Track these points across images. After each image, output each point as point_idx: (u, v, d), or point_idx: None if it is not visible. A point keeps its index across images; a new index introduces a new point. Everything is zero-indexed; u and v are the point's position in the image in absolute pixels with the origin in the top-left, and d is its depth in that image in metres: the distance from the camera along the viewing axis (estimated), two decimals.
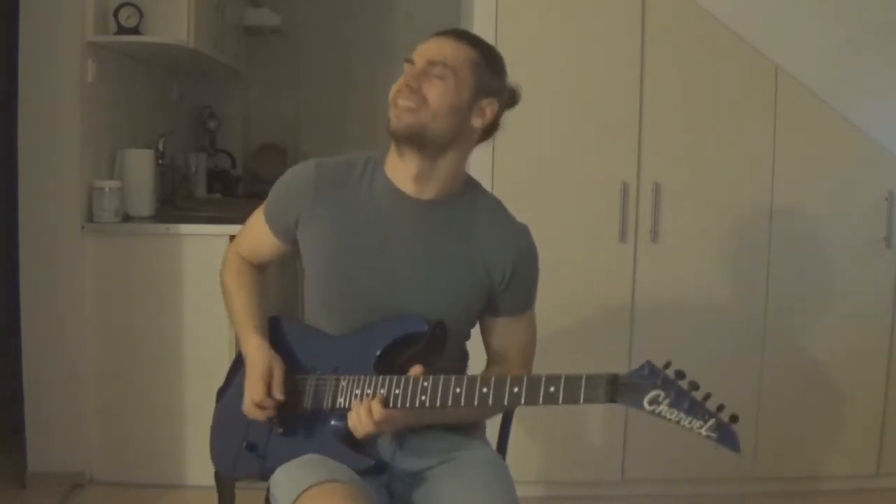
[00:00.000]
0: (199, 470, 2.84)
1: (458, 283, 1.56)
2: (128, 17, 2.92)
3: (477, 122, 1.55)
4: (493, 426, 1.79)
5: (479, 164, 2.68)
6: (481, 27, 2.75)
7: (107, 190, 2.87)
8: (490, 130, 1.61)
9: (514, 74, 2.75)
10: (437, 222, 1.57)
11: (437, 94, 1.50)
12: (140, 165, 3.08)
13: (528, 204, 2.84)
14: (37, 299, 2.86)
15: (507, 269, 1.58)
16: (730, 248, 2.86)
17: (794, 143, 2.84)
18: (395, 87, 1.54)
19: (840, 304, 2.90)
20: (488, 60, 1.56)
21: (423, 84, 1.50)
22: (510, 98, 1.63)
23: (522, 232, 1.64)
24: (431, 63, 1.50)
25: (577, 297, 2.81)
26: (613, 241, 2.83)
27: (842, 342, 2.91)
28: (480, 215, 1.60)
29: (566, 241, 2.81)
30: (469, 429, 1.68)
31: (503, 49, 2.78)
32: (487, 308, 1.61)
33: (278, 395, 1.55)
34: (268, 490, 1.59)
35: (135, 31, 2.94)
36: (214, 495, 1.75)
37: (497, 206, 1.66)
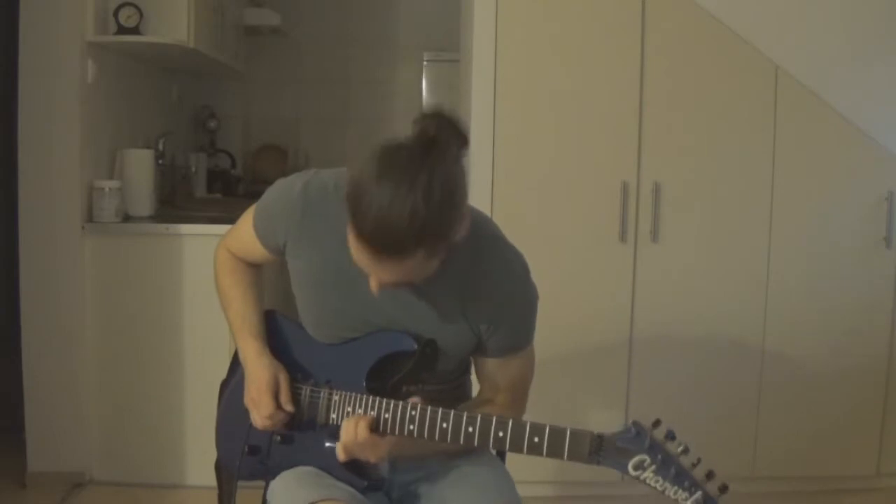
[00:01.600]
0: (199, 470, 2.84)
1: (443, 331, 1.50)
2: (128, 17, 2.92)
3: (463, 233, 1.36)
4: None
5: (480, 164, 2.68)
6: (481, 28, 2.75)
7: (107, 190, 2.87)
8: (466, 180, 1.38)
9: (515, 74, 2.78)
10: None
11: (417, 281, 1.38)
12: (140, 165, 3.08)
13: (529, 204, 2.88)
14: (37, 299, 2.86)
15: (494, 322, 1.50)
16: (730, 248, 2.86)
17: (794, 143, 2.83)
18: (373, 285, 1.37)
19: (840, 304, 2.89)
20: (435, 234, 1.28)
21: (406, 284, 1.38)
22: (460, 151, 1.33)
23: (515, 273, 1.52)
24: (397, 285, 1.36)
25: (577, 297, 2.81)
26: (613, 241, 2.83)
27: (842, 342, 2.91)
28: (470, 267, 1.47)
29: (566, 241, 2.81)
30: None
31: (503, 50, 2.78)
32: (476, 349, 1.56)
33: (288, 406, 1.53)
34: (264, 493, 1.59)
35: (135, 31, 2.94)
36: (214, 495, 1.75)
37: (490, 249, 1.51)
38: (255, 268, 1.70)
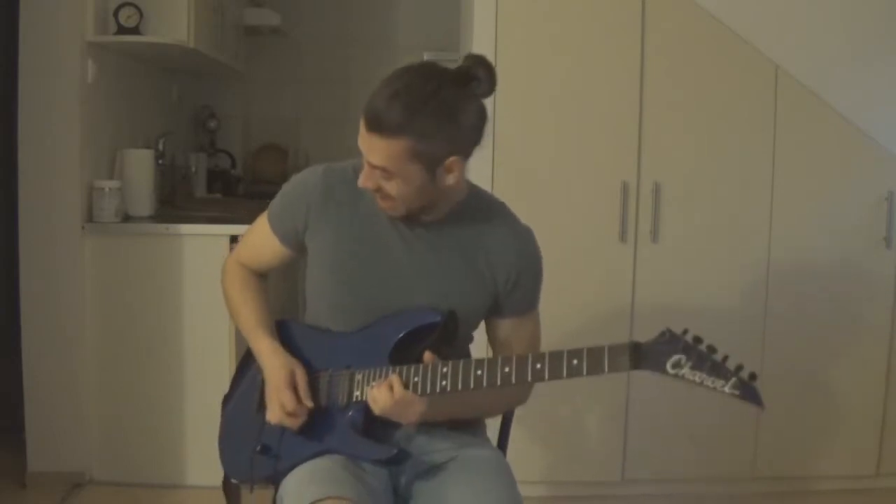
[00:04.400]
0: (199, 470, 2.84)
1: (462, 290, 1.57)
2: (128, 17, 2.92)
3: (451, 180, 1.49)
4: (493, 427, 1.80)
5: (480, 164, 2.68)
6: (481, 28, 2.75)
7: (107, 190, 2.87)
8: (480, 132, 1.50)
9: (515, 74, 2.78)
10: (440, 236, 1.58)
11: (395, 189, 1.47)
12: (140, 165, 3.08)
13: (529, 204, 2.84)
14: (37, 299, 2.86)
15: (512, 275, 1.59)
16: (730, 248, 2.86)
17: (794, 143, 2.83)
18: (361, 177, 1.49)
19: (840, 304, 2.89)
20: (422, 133, 1.41)
21: (380, 183, 1.47)
22: (486, 92, 1.46)
23: (527, 235, 1.63)
24: (373, 167, 1.45)
25: (577, 297, 2.81)
26: (613, 241, 2.83)
27: (841, 342, 2.91)
28: (484, 223, 1.60)
29: (566, 241, 2.80)
30: (473, 428, 1.69)
31: (503, 49, 2.77)
32: (492, 310, 1.63)
33: (307, 401, 1.54)
34: (275, 491, 1.58)
35: (135, 31, 2.94)
36: (214, 495, 1.75)
37: (500, 210, 1.65)
38: (262, 278, 1.76)
